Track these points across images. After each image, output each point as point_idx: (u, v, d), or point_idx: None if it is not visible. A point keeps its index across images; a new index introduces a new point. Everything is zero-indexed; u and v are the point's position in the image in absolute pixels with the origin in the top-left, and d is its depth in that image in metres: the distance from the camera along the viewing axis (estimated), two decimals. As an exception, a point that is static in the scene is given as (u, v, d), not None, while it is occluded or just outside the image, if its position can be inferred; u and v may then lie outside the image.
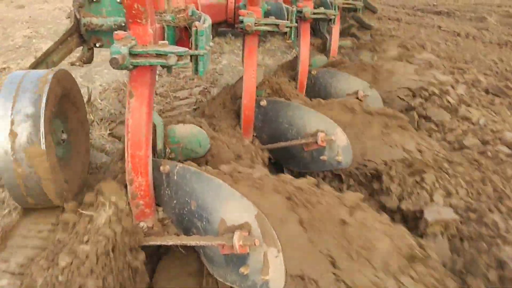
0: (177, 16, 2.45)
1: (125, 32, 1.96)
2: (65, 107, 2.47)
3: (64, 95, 2.40)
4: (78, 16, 2.72)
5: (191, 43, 2.02)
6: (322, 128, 2.92)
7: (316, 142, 2.89)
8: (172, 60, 1.85)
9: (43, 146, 2.06)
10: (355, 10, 5.43)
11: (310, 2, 4.20)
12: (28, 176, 2.11)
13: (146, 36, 2.00)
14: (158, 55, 1.89)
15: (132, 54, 1.84)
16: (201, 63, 2.00)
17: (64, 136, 2.46)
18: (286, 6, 3.37)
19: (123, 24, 2.82)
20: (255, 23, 2.95)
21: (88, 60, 2.91)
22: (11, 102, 2.10)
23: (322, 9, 4.23)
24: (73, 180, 2.47)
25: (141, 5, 1.91)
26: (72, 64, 2.77)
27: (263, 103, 3.29)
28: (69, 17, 2.76)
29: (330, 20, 4.28)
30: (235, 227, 1.80)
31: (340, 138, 2.87)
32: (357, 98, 4.00)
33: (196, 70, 2.00)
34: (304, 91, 4.25)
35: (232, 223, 1.82)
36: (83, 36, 2.83)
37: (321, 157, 2.93)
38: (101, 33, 2.90)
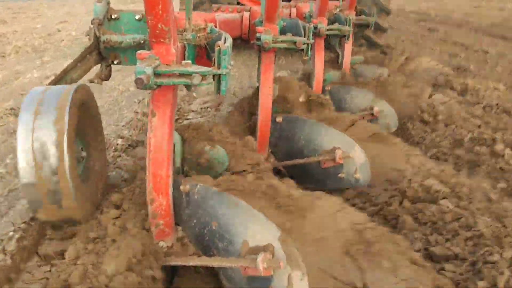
0: (198, 34, 2.46)
1: (148, 52, 1.96)
2: (84, 123, 2.47)
3: (84, 111, 2.41)
4: (97, 34, 2.74)
5: (213, 62, 2.02)
6: (340, 145, 2.90)
7: (334, 160, 2.87)
8: (196, 80, 1.85)
9: (65, 165, 2.06)
10: (367, 25, 5.44)
11: (324, 18, 4.22)
12: (50, 193, 2.11)
13: (169, 55, 2.00)
14: (182, 74, 1.89)
15: (156, 74, 1.84)
16: (223, 82, 2.00)
17: (84, 153, 2.46)
18: (302, 23, 3.38)
19: (142, 42, 2.84)
20: (273, 40, 2.95)
21: (106, 77, 2.93)
22: (32, 120, 2.11)
23: (336, 25, 4.24)
24: (92, 196, 2.47)
25: (165, 25, 1.92)
26: (91, 81, 2.78)
27: (279, 119, 3.29)
28: (88, 35, 2.78)
29: (344, 36, 4.29)
30: (258, 248, 1.77)
31: (359, 155, 2.85)
32: (372, 114, 3.99)
33: (218, 89, 2.00)
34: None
35: (255, 244, 1.80)
36: (102, 53, 2.85)
37: (339, 175, 2.91)
38: (120, 50, 2.92)
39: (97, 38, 2.74)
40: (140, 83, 1.74)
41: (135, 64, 3.04)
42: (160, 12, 1.87)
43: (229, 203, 1.96)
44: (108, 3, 2.90)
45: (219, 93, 2.02)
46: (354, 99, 4.24)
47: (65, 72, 2.67)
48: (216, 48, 2.02)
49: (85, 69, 2.78)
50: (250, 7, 4.29)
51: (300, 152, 3.17)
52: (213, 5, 4.72)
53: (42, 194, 2.10)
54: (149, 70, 1.78)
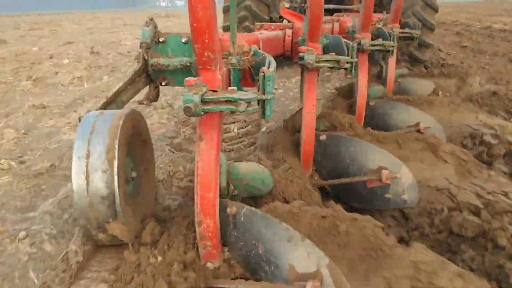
0: (242, 58, 2.50)
1: (195, 78, 2.02)
2: (135, 145, 2.56)
3: (135, 134, 2.49)
4: (146, 57, 2.83)
5: (258, 87, 2.05)
6: (386, 165, 2.86)
7: (380, 180, 2.82)
8: (242, 107, 1.88)
9: (116, 188, 2.14)
10: (412, 38, 5.35)
11: (368, 33, 4.18)
12: (100, 215, 2.19)
13: (216, 81, 2.05)
14: (228, 101, 1.92)
15: (203, 101, 1.88)
16: (268, 107, 2.02)
17: (134, 174, 2.54)
18: (345, 40, 3.37)
19: (188, 64, 2.92)
20: (316, 60, 2.96)
21: (154, 98, 3.01)
22: (87, 144, 2.20)
23: (380, 41, 4.20)
24: (140, 217, 2.54)
25: (211, 53, 1.97)
26: (140, 103, 2.88)
27: (323, 137, 3.28)
28: (137, 59, 2.88)
29: (388, 51, 4.23)
30: (306, 275, 1.77)
31: (406, 175, 2.80)
32: (418, 130, 3.90)
33: (263, 114, 2.02)
34: (362, 123, 4.21)
35: (303, 271, 1.80)
36: (150, 76, 2.94)
37: (385, 195, 2.86)
38: (167, 72, 3.00)
39: (145, 61, 2.83)
40: (188, 111, 1.79)
41: (182, 85, 3.16)
42: (207, 40, 1.93)
43: (275, 226, 1.97)
44: (155, 27, 2.99)
45: (264, 117, 2.04)
46: (399, 114, 4.17)
47: (116, 95, 2.77)
48: (261, 74, 2.05)
49: (135, 91, 2.88)
50: (293, 24, 4.32)
51: (344, 170, 3.15)
52: (256, 23, 4.77)
53: (92, 218, 2.19)
54: (196, 99, 1.83)
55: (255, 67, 2.52)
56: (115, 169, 2.14)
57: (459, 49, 11.30)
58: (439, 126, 3.89)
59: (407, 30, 5.21)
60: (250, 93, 1.94)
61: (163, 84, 3.09)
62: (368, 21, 4.13)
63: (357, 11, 5.92)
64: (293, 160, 3.25)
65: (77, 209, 2.18)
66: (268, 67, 2.23)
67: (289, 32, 4.21)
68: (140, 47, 2.84)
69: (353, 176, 3.08)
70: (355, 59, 3.11)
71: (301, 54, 3.04)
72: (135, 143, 2.54)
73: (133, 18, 33.65)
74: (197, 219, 2.12)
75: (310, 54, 2.97)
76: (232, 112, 1.97)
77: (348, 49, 3.20)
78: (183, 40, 3.01)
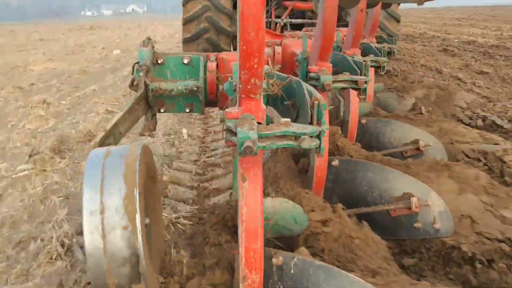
0: (270, 82, 2.22)
1: (237, 109, 1.72)
2: (148, 187, 2.18)
3: (148, 175, 2.12)
4: (147, 82, 2.47)
5: (311, 118, 1.78)
6: (412, 192, 2.67)
7: (409, 208, 2.62)
8: (306, 143, 1.59)
9: (140, 247, 1.76)
10: (390, 53, 5.28)
11: (358, 49, 4.03)
12: (122, 279, 1.81)
13: (260, 112, 1.75)
14: (284, 136, 1.63)
15: (259, 137, 1.58)
16: (323, 139, 1.75)
17: (147, 220, 2.16)
18: (352, 57, 3.18)
19: (195, 88, 2.59)
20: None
21: (154, 127, 2.66)
22: (99, 194, 1.81)
23: (372, 57, 4.05)
24: (158, 271, 2.17)
25: (259, 80, 1.68)
26: (141, 135, 2.51)
27: (335, 163, 3.04)
28: (134, 84, 2.51)
29: (379, 67, 4.10)
30: None
31: (436, 202, 2.61)
32: (417, 148, 3.77)
33: (318, 148, 1.74)
34: (354, 140, 4.03)
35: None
36: (149, 102, 2.59)
37: (415, 225, 2.66)
38: (167, 97, 2.66)
39: (146, 87, 2.47)
40: (249, 151, 1.48)
41: (183, 111, 2.82)
42: (256, 65, 1.63)
43: (342, 280, 1.69)
44: (153, 47, 2.65)
45: (319, 152, 1.77)
46: (394, 132, 4.03)
47: (115, 126, 2.38)
48: (315, 102, 1.78)
49: (133, 120, 2.50)
50: (281, 41, 4.08)
51: (362, 198, 2.92)
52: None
53: (112, 284, 1.80)
54: (253, 135, 1.52)
55: (287, 93, 2.24)
56: (138, 225, 1.76)
57: (482, 77, 9.34)
58: (439, 144, 3.78)
59: (385, 44, 5.14)
60: (309, 127, 1.66)
61: (161, 110, 2.75)
62: (359, 37, 3.98)
63: None
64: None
65: (92, 275, 1.78)
66: (310, 94, 1.97)
67: (278, 49, 3.97)
68: (140, 70, 2.48)
69: (371, 205, 2.86)
70: (369, 78, 2.92)
71: (313, 74, 2.79)
72: (148, 184, 2.17)
73: (52, 31, 31.06)
74: (242, 274, 1.79)
75: (326, 74, 2.73)
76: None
77: (358, 67, 3.01)
78: (185, 61, 2.69)
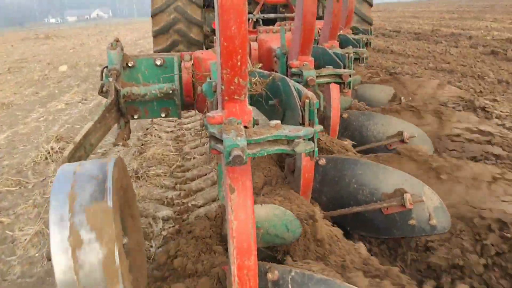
0: (253, 80, 2.05)
1: (220, 113, 1.55)
2: (123, 205, 1.98)
3: (124, 191, 1.92)
4: (117, 87, 2.27)
5: (302, 118, 1.62)
6: (405, 188, 2.55)
7: (403, 205, 2.50)
8: (300, 147, 1.43)
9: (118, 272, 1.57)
10: (366, 44, 5.19)
11: (336, 41, 3.91)
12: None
13: (245, 114, 1.59)
14: (275, 140, 1.47)
15: (248, 144, 1.41)
16: (316, 141, 1.60)
17: (125, 239, 1.97)
18: (334, 51, 3.04)
19: (170, 92, 2.40)
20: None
21: (128, 136, 2.45)
22: (68, 218, 1.59)
23: (351, 49, 3.93)
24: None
25: (242, 79, 1.51)
26: (115, 144, 2.30)
27: (322, 161, 2.90)
28: (103, 91, 2.31)
29: (358, 59, 3.98)
30: None
31: (431, 198, 2.50)
32: (402, 140, 3.67)
33: (312, 151, 1.59)
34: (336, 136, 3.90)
35: None
36: (121, 109, 2.39)
37: (410, 222, 2.54)
38: (140, 103, 2.47)
39: (117, 92, 2.27)
40: (239, 161, 1.31)
41: (158, 117, 2.63)
42: (239, 63, 1.47)
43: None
44: (122, 49, 2.44)
45: (312, 155, 1.62)
46: (377, 125, 3.92)
47: (85, 137, 2.17)
48: (306, 101, 1.62)
49: (105, 130, 2.29)
50: (256, 36, 3.92)
51: (352, 197, 2.79)
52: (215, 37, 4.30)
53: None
54: (242, 142, 1.35)
55: (272, 92, 2.08)
56: (116, 252, 1.56)
57: None
58: (424, 135, 3.69)
59: (361, 35, 5.03)
60: (303, 128, 1.50)
61: (135, 117, 2.55)
62: (336, 28, 3.85)
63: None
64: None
65: None
66: (297, 92, 1.82)
67: (254, 45, 3.81)
68: (109, 75, 2.28)
69: (362, 204, 2.73)
70: (353, 71, 2.78)
71: (295, 70, 2.64)
72: (124, 201, 1.97)
73: (2, 41, 27.29)
74: (235, 294, 1.63)
75: (308, 69, 2.58)
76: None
77: (341, 60, 2.87)
78: (158, 63, 2.50)
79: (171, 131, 6.25)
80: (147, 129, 6.33)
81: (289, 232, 2.12)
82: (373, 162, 2.75)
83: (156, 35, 6.89)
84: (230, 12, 1.35)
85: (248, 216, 1.61)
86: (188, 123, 6.57)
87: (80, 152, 2.17)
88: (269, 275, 1.72)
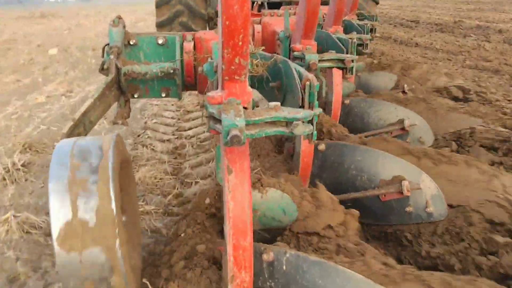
0: (254, 62, 2.04)
1: (220, 93, 1.54)
2: (122, 182, 1.99)
3: (122, 168, 1.92)
4: (118, 65, 2.26)
5: (302, 101, 1.61)
6: (403, 175, 2.55)
7: (401, 192, 2.51)
8: (299, 129, 1.43)
9: (118, 252, 1.58)
10: (370, 30, 5.14)
11: (340, 27, 3.87)
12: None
13: (245, 95, 1.58)
14: (274, 122, 1.47)
15: (247, 125, 1.41)
16: (315, 124, 1.60)
17: (124, 218, 1.98)
18: (337, 35, 3.02)
19: (172, 71, 2.39)
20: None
21: (128, 114, 2.45)
22: (67, 193, 1.59)
23: (354, 34, 3.90)
24: (136, 262, 2.00)
25: (244, 59, 1.50)
26: (114, 123, 2.30)
27: (321, 147, 2.89)
28: (105, 67, 2.30)
29: (362, 45, 3.95)
30: None
31: (428, 185, 2.50)
32: (403, 128, 3.66)
33: (310, 134, 1.59)
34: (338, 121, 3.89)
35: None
36: (122, 88, 2.38)
37: (407, 209, 2.55)
38: (141, 82, 2.46)
39: (118, 70, 2.26)
40: (237, 141, 1.31)
41: (158, 96, 2.62)
42: (240, 43, 1.45)
43: (338, 275, 1.56)
44: (124, 26, 2.43)
45: (311, 138, 1.62)
46: (379, 112, 3.91)
47: (84, 114, 2.17)
48: (307, 83, 1.62)
49: (104, 108, 2.29)
50: (260, 19, 3.89)
51: (350, 183, 2.79)
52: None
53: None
54: (241, 122, 1.35)
55: (272, 74, 2.07)
56: (116, 231, 1.57)
57: None
58: (425, 124, 3.68)
59: (366, 21, 4.99)
60: (301, 111, 1.49)
61: (135, 96, 2.54)
62: (341, 13, 3.82)
63: None
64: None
65: (65, 284, 1.58)
66: (299, 75, 1.80)
67: (258, 27, 3.77)
68: (110, 52, 2.27)
69: (360, 190, 2.73)
70: (356, 56, 2.76)
71: (297, 53, 2.63)
72: (123, 177, 1.97)
73: None
74: (230, 273, 1.64)
75: (311, 53, 2.56)
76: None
77: (344, 45, 2.85)
78: (160, 42, 2.48)
79: (168, 140, 5.04)
80: (138, 135, 5.19)
81: (285, 215, 2.13)
82: (373, 149, 2.75)
83: (160, 26, 6.85)
84: (233, -9, 1.34)
85: (245, 197, 1.61)
86: (189, 129, 5.44)
87: (79, 129, 2.17)
88: (264, 256, 1.74)
